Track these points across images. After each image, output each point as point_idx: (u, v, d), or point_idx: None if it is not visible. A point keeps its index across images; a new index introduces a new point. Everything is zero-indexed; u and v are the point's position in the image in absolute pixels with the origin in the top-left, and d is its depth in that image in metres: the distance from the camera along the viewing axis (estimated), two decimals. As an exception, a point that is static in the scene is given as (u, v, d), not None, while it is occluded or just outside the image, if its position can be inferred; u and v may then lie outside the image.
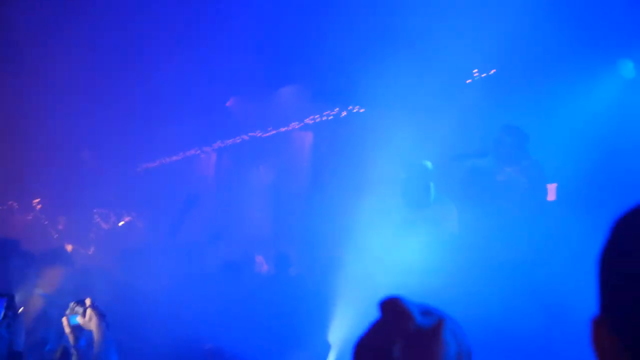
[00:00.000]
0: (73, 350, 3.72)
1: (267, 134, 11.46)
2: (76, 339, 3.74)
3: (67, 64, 10.62)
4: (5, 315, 3.26)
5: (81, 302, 3.75)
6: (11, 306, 3.34)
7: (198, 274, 7.77)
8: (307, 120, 10.37)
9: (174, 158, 14.31)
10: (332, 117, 9.80)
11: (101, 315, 3.73)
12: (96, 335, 3.67)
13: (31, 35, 9.25)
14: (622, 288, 1.02)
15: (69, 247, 12.86)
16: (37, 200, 14.51)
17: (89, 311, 3.71)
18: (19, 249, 5.75)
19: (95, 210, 14.72)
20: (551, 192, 6.75)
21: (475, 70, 7.79)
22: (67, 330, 3.73)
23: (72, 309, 3.76)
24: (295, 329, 6.52)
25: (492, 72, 7.67)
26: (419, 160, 6.91)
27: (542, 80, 7.03)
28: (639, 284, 0.99)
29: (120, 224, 14.63)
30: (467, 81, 7.84)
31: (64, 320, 3.73)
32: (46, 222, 14.21)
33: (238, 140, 12.27)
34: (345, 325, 6.36)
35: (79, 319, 3.72)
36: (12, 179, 14.73)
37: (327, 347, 6.36)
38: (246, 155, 12.18)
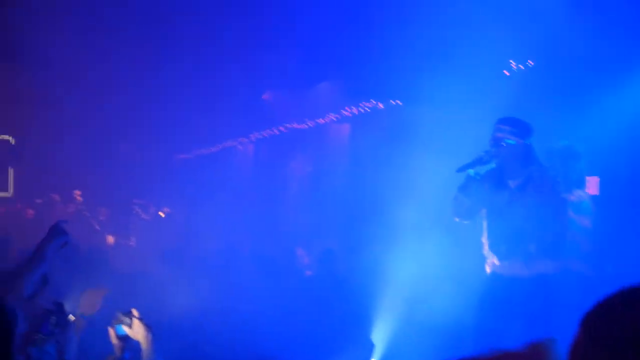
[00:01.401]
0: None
1: (304, 126, 11.42)
2: (122, 349, 3.75)
3: (102, 57, 10.70)
4: (51, 332, 3.25)
5: (128, 313, 3.76)
6: (60, 320, 3.33)
7: (239, 272, 7.76)
8: (344, 112, 10.28)
9: (211, 149, 14.36)
10: (369, 109, 9.70)
11: (148, 326, 3.73)
12: (144, 346, 3.67)
13: (55, 34, 9.28)
14: None
15: (110, 239, 13.01)
16: (78, 192, 14.60)
17: (136, 322, 3.71)
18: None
19: (134, 201, 14.79)
20: (592, 185, 6.31)
21: (512, 61, 7.56)
22: (114, 340, 3.74)
23: (119, 319, 3.76)
24: (338, 328, 6.47)
25: (529, 63, 7.43)
26: None
27: (577, 76, 6.71)
28: None
29: (161, 214, 14.73)
30: (505, 72, 7.61)
31: (111, 330, 3.74)
32: (87, 214, 14.25)
33: (275, 132, 12.25)
34: (389, 325, 6.31)
35: (125, 329, 3.72)
36: (52, 171, 14.97)
37: (370, 347, 6.31)
38: (283, 146, 12.16)
